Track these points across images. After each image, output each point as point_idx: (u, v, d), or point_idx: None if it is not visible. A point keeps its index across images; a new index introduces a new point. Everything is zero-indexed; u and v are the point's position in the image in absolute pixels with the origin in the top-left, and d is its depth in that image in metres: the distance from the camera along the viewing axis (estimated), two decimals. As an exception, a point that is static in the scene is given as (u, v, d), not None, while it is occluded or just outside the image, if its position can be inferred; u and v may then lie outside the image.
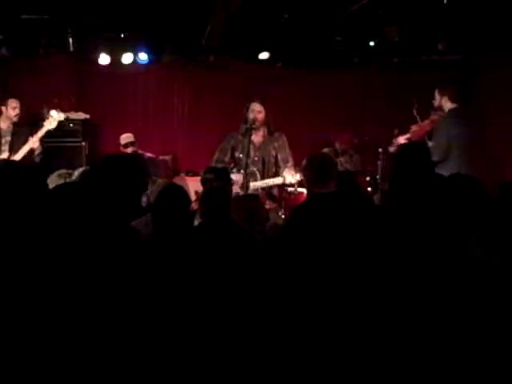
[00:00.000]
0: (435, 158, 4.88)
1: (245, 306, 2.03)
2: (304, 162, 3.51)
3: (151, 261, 2.37)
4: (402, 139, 5.33)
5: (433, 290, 1.91)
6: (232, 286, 2.16)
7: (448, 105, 5.00)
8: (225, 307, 2.07)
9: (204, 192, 3.56)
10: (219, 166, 5.08)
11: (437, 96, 5.09)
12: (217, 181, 4.16)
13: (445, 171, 4.63)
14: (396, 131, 6.42)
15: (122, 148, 6.24)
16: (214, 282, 2.21)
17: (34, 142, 5.57)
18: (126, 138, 6.23)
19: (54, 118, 5.69)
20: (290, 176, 4.86)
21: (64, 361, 1.79)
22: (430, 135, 5.19)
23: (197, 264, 2.37)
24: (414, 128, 5.38)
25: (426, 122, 5.32)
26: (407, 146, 4.08)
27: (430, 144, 4.98)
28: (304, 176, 3.57)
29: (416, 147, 3.60)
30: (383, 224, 2.62)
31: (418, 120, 5.44)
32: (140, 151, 6.29)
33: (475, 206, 2.09)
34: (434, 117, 5.24)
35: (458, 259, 1.99)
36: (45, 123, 5.69)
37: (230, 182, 4.61)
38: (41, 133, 5.62)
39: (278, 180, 5.03)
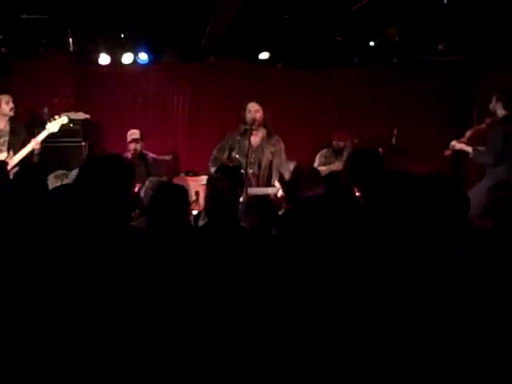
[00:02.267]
0: (490, 161, 4.95)
1: (248, 309, 2.02)
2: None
3: (148, 261, 2.36)
4: (457, 144, 5.35)
5: (419, 292, 1.91)
6: (236, 289, 2.15)
7: (501, 111, 5.10)
8: (228, 311, 2.07)
9: (210, 190, 3.51)
10: (217, 164, 5.06)
11: (493, 100, 5.18)
12: (227, 180, 4.13)
13: (499, 174, 4.73)
14: (395, 131, 6.45)
15: (127, 144, 6.24)
16: (216, 284, 2.20)
17: (36, 143, 5.56)
18: (130, 134, 6.23)
19: (58, 121, 5.70)
20: (279, 189, 4.86)
21: (58, 365, 1.78)
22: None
23: (198, 265, 2.36)
24: (469, 132, 5.46)
25: (482, 125, 5.39)
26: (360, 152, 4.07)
27: (480, 148, 5.11)
28: (290, 184, 3.59)
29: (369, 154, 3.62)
30: (369, 227, 2.62)
31: (474, 124, 5.52)
32: (144, 151, 6.28)
33: (457, 207, 2.09)
34: (488, 120, 5.31)
35: (443, 260, 1.99)
36: (47, 126, 5.69)
37: (241, 183, 4.56)
38: (43, 135, 5.62)
39: (273, 190, 5.00)
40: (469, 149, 5.20)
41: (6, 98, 5.72)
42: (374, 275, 1.99)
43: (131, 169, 2.44)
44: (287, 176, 4.95)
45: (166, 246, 2.66)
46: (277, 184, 4.99)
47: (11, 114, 5.72)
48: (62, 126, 5.85)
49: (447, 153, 5.43)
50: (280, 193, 4.80)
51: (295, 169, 3.54)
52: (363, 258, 2.11)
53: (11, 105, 5.70)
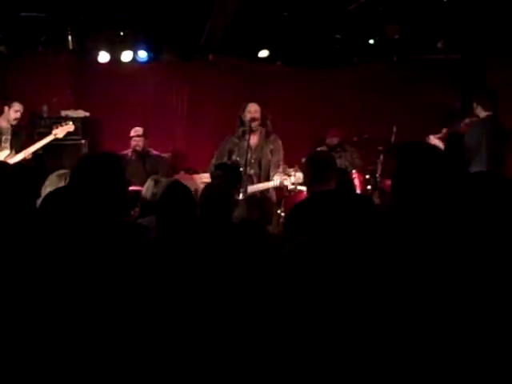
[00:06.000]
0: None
1: (245, 307, 2.02)
2: (304, 160, 3.50)
3: (153, 259, 2.36)
4: (433, 139, 5.42)
5: (434, 291, 1.90)
6: (238, 286, 2.15)
7: (482, 113, 5.14)
8: (224, 309, 2.07)
9: (203, 190, 3.52)
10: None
11: (474, 104, 5.25)
12: (226, 179, 4.12)
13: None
14: (395, 129, 6.44)
15: (129, 140, 6.26)
16: (205, 283, 2.20)
17: (27, 155, 5.58)
18: (135, 130, 6.25)
19: (64, 128, 5.74)
20: (279, 180, 4.88)
21: (63, 362, 1.78)
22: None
23: (193, 264, 2.36)
24: (445, 130, 5.56)
25: (460, 126, 5.47)
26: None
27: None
28: (304, 175, 3.57)
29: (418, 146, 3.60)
30: (385, 223, 2.61)
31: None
32: (147, 148, 6.29)
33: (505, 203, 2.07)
34: (467, 121, 5.40)
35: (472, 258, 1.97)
36: (53, 131, 5.71)
37: (238, 183, 4.58)
38: (47, 140, 5.66)
39: (271, 184, 5.03)
40: (442, 146, 5.29)
41: (17, 107, 5.74)
42: (389, 273, 1.98)
43: (122, 166, 2.43)
44: (278, 173, 4.98)
45: (175, 243, 2.66)
46: (275, 177, 4.99)
47: (14, 122, 5.75)
48: (61, 121, 5.89)
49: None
50: (285, 183, 4.84)
51: (314, 157, 3.45)
52: (375, 255, 2.10)
53: (18, 115, 5.74)
